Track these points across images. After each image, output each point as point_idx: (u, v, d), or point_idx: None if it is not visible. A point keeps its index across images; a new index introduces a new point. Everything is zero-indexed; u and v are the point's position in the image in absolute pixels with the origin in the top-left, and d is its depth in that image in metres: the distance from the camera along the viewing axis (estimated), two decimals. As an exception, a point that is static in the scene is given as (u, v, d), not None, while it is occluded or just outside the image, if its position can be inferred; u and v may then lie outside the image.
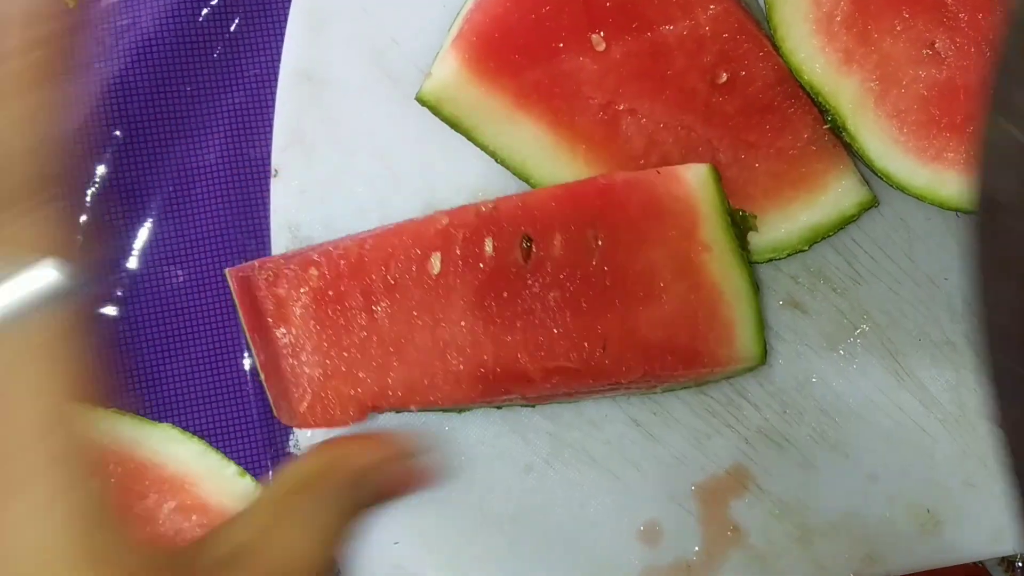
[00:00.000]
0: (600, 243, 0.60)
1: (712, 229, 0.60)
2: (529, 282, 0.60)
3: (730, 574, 0.66)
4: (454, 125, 0.63)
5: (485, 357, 0.60)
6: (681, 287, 0.60)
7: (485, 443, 0.66)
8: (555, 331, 0.60)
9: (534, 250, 0.60)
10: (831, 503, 0.66)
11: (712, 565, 0.66)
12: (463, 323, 0.60)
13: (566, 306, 0.60)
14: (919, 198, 0.62)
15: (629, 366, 0.60)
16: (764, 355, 0.63)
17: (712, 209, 0.60)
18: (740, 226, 0.62)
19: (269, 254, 0.66)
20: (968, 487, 0.67)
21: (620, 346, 0.60)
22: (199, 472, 0.62)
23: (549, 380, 0.60)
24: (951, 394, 0.67)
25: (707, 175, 0.60)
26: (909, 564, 0.67)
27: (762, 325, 0.62)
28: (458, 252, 0.61)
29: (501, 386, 0.60)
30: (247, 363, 0.70)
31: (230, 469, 0.63)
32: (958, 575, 0.70)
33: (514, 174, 0.64)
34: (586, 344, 0.60)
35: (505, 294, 0.60)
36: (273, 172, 0.66)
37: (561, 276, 0.60)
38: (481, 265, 0.60)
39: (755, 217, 0.63)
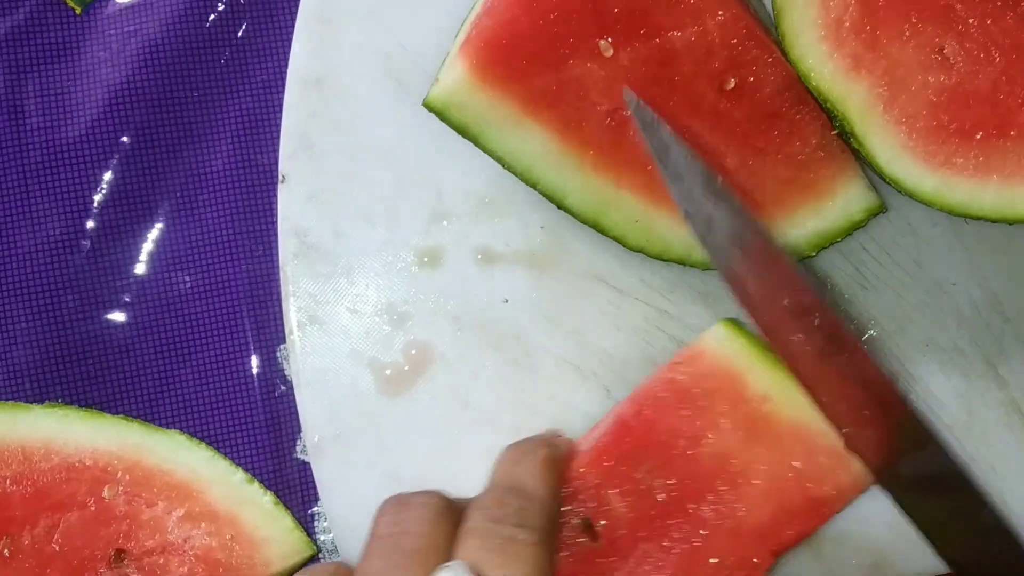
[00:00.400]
0: (655, 474, 0.59)
1: (761, 378, 0.60)
2: (612, 559, 0.58)
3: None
4: (461, 131, 0.62)
5: None
6: (760, 450, 0.58)
7: None
8: None
9: (598, 527, 0.59)
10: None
11: (720, 571, 0.65)
12: None
13: (667, 553, 0.58)
14: (927, 204, 0.61)
15: (754, 561, 0.58)
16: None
17: (751, 357, 0.60)
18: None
19: (276, 260, 0.66)
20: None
21: (740, 550, 0.58)
22: (207, 478, 0.62)
23: None
24: (959, 400, 0.66)
25: (725, 332, 0.59)
26: (917, 571, 0.66)
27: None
28: None
29: None
30: (254, 369, 0.69)
31: (238, 475, 0.63)
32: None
33: (521, 180, 0.63)
34: (701, 570, 0.58)
35: None
36: (280, 178, 0.65)
37: (638, 534, 0.58)
38: (566, 565, 0.57)
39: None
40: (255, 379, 0.69)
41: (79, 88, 0.69)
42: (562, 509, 0.57)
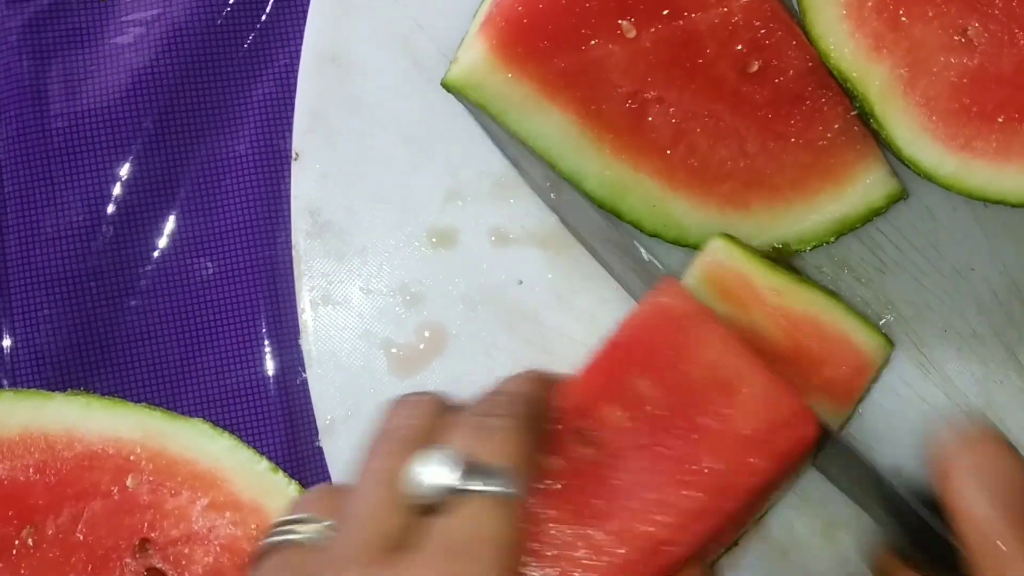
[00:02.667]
0: (646, 385, 0.55)
1: (766, 275, 0.58)
2: (608, 467, 0.54)
3: (751, 566, 0.62)
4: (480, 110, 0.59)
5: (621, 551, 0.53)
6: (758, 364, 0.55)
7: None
8: (658, 488, 0.54)
9: (592, 437, 0.55)
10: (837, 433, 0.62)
11: (733, 557, 0.62)
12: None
13: (661, 458, 0.54)
14: (946, 187, 0.58)
15: (752, 464, 0.54)
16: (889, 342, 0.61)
17: (752, 262, 0.58)
18: (784, 259, 0.60)
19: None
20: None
21: (736, 453, 0.54)
22: (231, 468, 0.60)
23: (688, 530, 0.53)
24: (978, 387, 0.63)
25: (724, 246, 0.58)
26: (931, 559, 0.63)
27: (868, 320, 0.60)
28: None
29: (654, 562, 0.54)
30: (274, 357, 0.66)
31: (262, 464, 0.61)
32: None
33: (539, 161, 0.60)
34: (695, 472, 0.54)
35: (592, 490, 0.54)
36: (294, 156, 0.62)
37: (632, 441, 0.55)
38: (560, 473, 0.54)
39: (789, 245, 0.60)
40: (276, 367, 0.66)
41: (102, 73, 0.67)
42: (558, 425, 0.55)
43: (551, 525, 0.53)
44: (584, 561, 0.53)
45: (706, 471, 0.54)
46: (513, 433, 0.48)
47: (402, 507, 0.45)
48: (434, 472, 0.45)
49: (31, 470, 0.57)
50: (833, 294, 0.60)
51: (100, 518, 0.56)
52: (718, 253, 0.59)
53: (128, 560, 0.56)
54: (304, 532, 0.47)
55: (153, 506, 0.57)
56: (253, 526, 0.57)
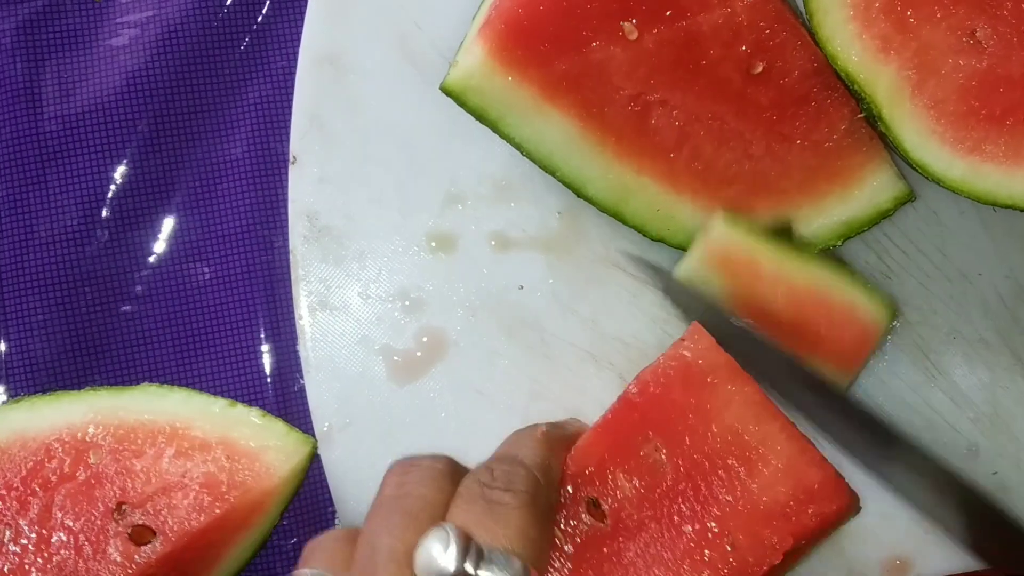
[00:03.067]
0: (663, 451, 0.54)
1: (768, 250, 0.57)
2: (620, 540, 0.54)
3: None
4: (479, 116, 0.58)
5: None
6: (776, 426, 0.54)
7: None
8: (674, 566, 0.53)
9: (605, 507, 0.54)
10: (862, 504, 0.61)
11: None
12: None
13: (677, 532, 0.53)
14: (955, 191, 0.57)
15: (772, 543, 0.53)
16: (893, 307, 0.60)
17: (754, 237, 0.57)
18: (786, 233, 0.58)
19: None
20: (1002, 489, 0.61)
21: (755, 530, 0.53)
22: (189, 415, 0.59)
23: None
24: (985, 393, 0.61)
25: (726, 223, 0.57)
26: (939, 568, 0.62)
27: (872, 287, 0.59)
28: None
29: None
30: (271, 363, 0.64)
31: (218, 404, 0.59)
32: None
33: (540, 167, 0.59)
34: (713, 549, 0.53)
35: (604, 566, 0.53)
36: (291, 159, 0.60)
37: (646, 513, 0.54)
38: (573, 547, 0.54)
39: (790, 220, 0.59)
40: (273, 373, 0.64)
41: (96, 75, 0.65)
42: (567, 489, 0.54)
43: None
44: None
45: (726, 550, 0.52)
46: (525, 513, 0.48)
47: None
48: (447, 558, 0.44)
49: None
50: (838, 261, 0.59)
51: (72, 499, 0.56)
52: (720, 230, 0.58)
53: (111, 525, 0.56)
54: None
55: (121, 473, 0.57)
56: (225, 457, 0.57)
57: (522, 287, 0.61)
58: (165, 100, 0.65)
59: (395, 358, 0.61)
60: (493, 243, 0.61)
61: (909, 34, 0.55)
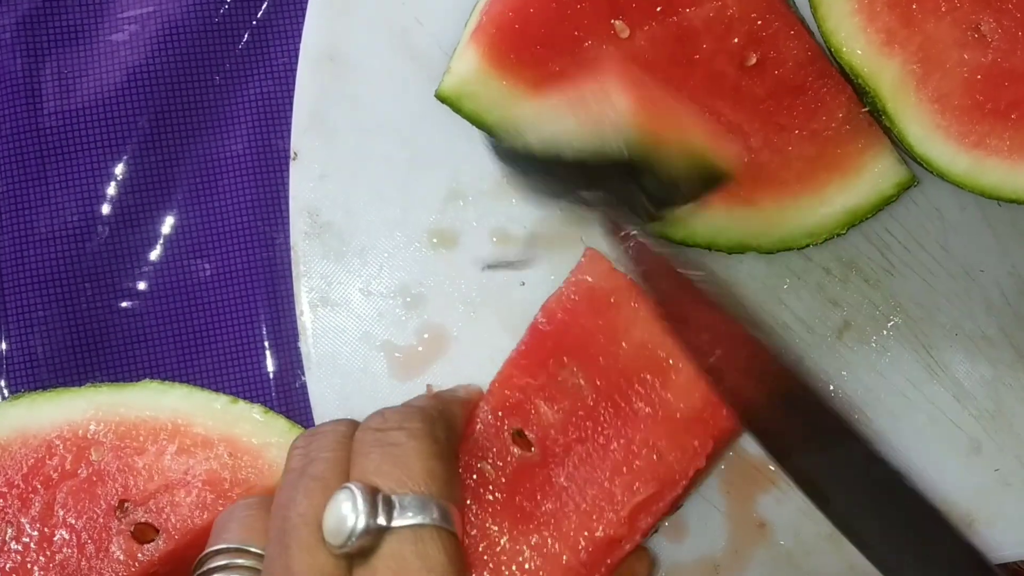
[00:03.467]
0: (580, 374, 0.54)
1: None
2: (551, 466, 0.54)
3: (758, 572, 0.60)
4: (475, 121, 0.57)
5: (565, 558, 0.53)
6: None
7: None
8: (606, 483, 0.53)
9: (530, 436, 0.54)
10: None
11: (739, 563, 0.60)
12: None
13: (604, 451, 0.53)
14: (959, 185, 0.56)
15: (694, 447, 0.53)
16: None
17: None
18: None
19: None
20: (1004, 485, 0.60)
21: (677, 437, 0.53)
22: (190, 412, 0.58)
23: (639, 523, 0.53)
24: (986, 389, 0.61)
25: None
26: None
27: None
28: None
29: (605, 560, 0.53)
30: (272, 359, 0.64)
31: (220, 401, 0.59)
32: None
33: None
34: (640, 461, 0.53)
35: (538, 494, 0.53)
36: (292, 155, 0.59)
37: (571, 437, 0.54)
38: (503, 479, 0.53)
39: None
40: (274, 370, 0.64)
41: (96, 71, 0.64)
42: (490, 419, 0.54)
43: (495, 539, 0.51)
44: (535, 572, 0.51)
45: (653, 460, 0.52)
46: (423, 448, 0.46)
47: (333, 556, 0.43)
48: (355, 514, 0.42)
49: None
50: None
51: (74, 497, 0.56)
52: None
53: (113, 523, 0.55)
54: (242, 565, 0.47)
55: (123, 470, 0.56)
56: (227, 454, 0.57)
57: (524, 283, 0.61)
58: (165, 96, 0.64)
59: (396, 354, 0.60)
60: (495, 239, 0.61)
61: (914, 28, 0.54)
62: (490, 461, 0.53)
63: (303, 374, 0.61)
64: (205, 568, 0.47)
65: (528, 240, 0.61)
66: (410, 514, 0.43)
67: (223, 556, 0.47)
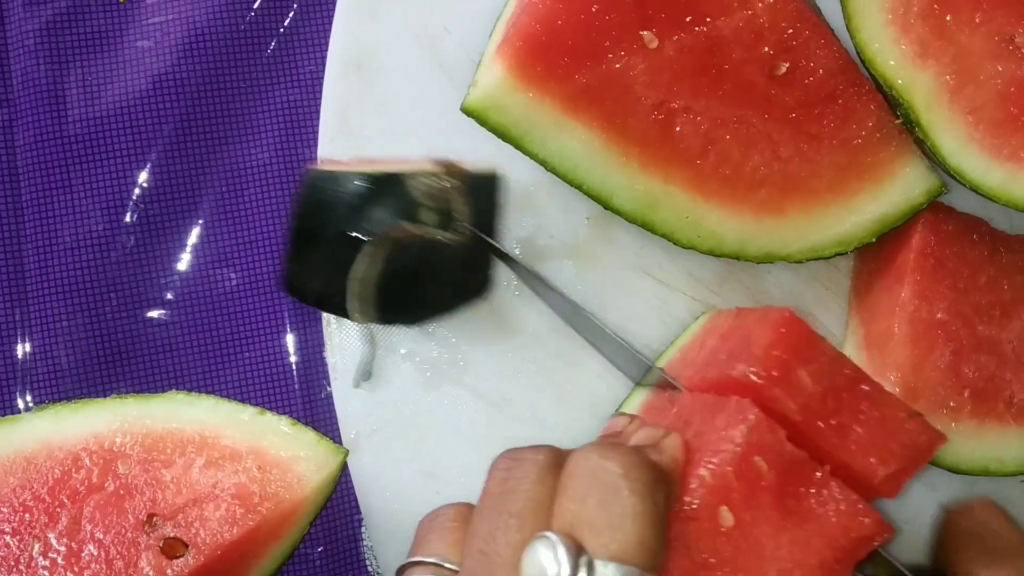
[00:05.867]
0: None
1: None
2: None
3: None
4: (501, 135, 0.55)
5: None
6: None
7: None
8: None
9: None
10: (889, 512, 0.59)
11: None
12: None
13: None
14: (992, 198, 0.55)
15: None
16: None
17: None
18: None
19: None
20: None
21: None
22: (218, 424, 0.56)
23: None
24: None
25: None
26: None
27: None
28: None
29: None
30: (299, 370, 0.61)
31: (247, 412, 0.56)
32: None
33: (565, 181, 0.56)
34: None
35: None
36: (319, 164, 0.57)
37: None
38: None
39: None
40: (300, 380, 0.62)
41: (121, 77, 0.62)
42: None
43: None
44: None
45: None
46: (639, 506, 0.41)
47: None
48: (551, 568, 0.39)
49: (17, 491, 0.55)
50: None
51: (101, 511, 0.54)
52: None
53: (142, 538, 0.54)
54: None
55: (151, 484, 0.54)
56: (256, 468, 0.55)
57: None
58: (191, 104, 0.62)
59: (423, 365, 0.58)
60: (520, 249, 0.59)
61: (947, 39, 0.53)
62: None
63: (329, 385, 0.60)
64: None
65: (558, 250, 0.59)
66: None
67: (423, 569, 0.45)
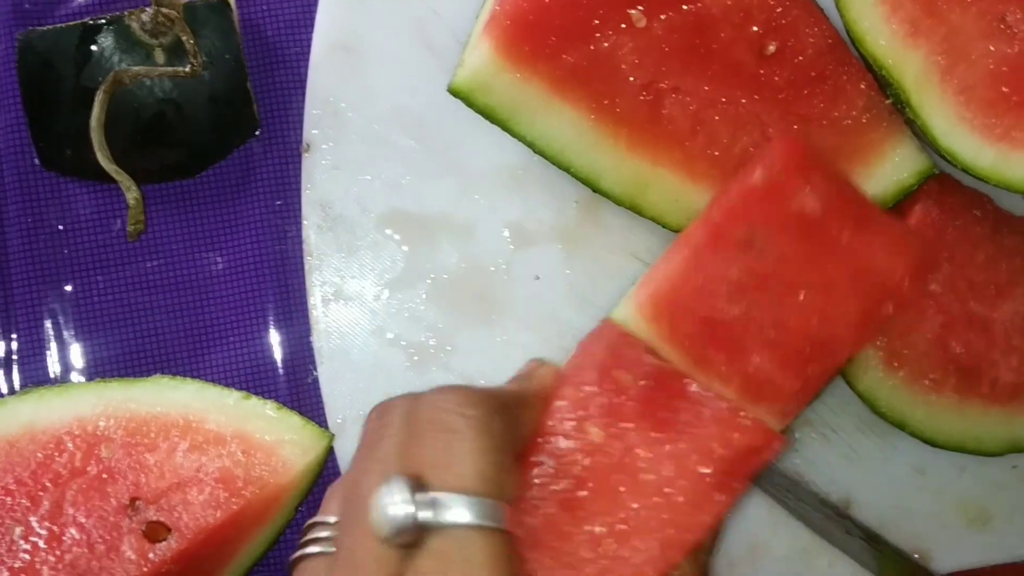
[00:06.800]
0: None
1: None
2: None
3: (774, 568, 0.58)
4: (488, 116, 0.55)
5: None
6: None
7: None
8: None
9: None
10: (877, 497, 0.59)
11: (755, 558, 0.57)
12: None
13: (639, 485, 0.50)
14: (984, 179, 0.54)
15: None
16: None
17: None
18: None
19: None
20: (1022, 482, 0.58)
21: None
22: (202, 408, 0.56)
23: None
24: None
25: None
26: (957, 562, 0.59)
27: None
28: None
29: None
30: (283, 355, 0.61)
31: (232, 396, 0.56)
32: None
33: (553, 164, 0.56)
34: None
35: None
36: (304, 147, 0.57)
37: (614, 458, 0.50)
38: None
39: None
40: (286, 365, 0.61)
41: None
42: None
43: (564, 529, 0.48)
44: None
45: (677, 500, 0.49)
46: (475, 439, 0.43)
47: (386, 545, 0.41)
48: (397, 508, 0.40)
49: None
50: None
51: (84, 495, 0.54)
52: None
53: (125, 522, 0.54)
54: (325, 538, 0.44)
55: (134, 467, 0.54)
56: (240, 452, 0.55)
57: (538, 277, 0.59)
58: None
59: (410, 349, 0.58)
60: (509, 233, 0.58)
61: (938, 18, 0.52)
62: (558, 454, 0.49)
63: (315, 369, 0.59)
64: (308, 537, 0.45)
65: (547, 234, 0.58)
66: (456, 513, 0.40)
67: (321, 528, 0.45)
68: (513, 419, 0.47)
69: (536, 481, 0.49)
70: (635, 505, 0.48)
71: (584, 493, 0.48)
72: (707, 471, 0.48)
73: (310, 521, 0.46)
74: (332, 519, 0.45)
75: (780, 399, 0.51)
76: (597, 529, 0.48)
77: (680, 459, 0.48)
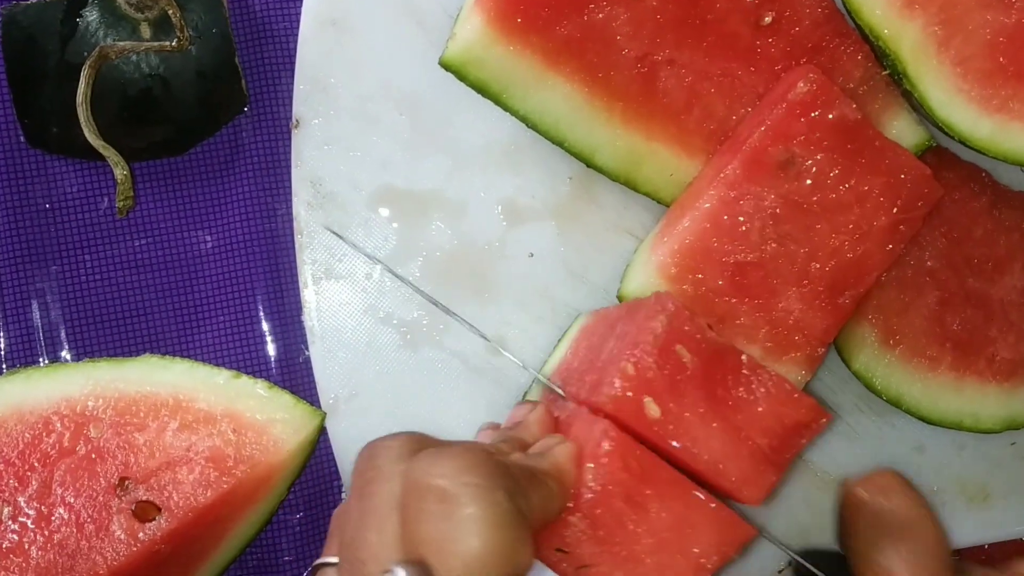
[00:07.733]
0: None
1: None
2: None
3: (774, 546, 0.57)
4: (481, 90, 0.54)
5: None
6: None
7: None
8: None
9: None
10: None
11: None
12: None
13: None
14: (981, 151, 0.54)
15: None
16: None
17: None
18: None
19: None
20: (1020, 459, 0.58)
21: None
22: (192, 387, 0.56)
23: None
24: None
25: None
26: (957, 539, 0.59)
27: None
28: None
29: None
30: (273, 336, 0.61)
31: (223, 375, 0.56)
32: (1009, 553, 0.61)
33: (546, 138, 0.55)
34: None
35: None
36: (294, 123, 0.56)
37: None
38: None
39: None
40: (277, 345, 0.61)
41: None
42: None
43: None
44: None
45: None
46: (475, 514, 0.39)
47: None
48: None
49: None
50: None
51: (72, 475, 0.53)
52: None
53: (114, 501, 0.53)
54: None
55: (123, 447, 0.54)
56: (231, 430, 0.54)
57: (532, 255, 0.58)
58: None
59: (402, 328, 0.58)
60: (502, 210, 0.58)
61: (935, -13, 0.52)
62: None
63: (307, 348, 0.59)
64: None
65: (540, 211, 0.58)
66: None
67: (332, 570, 0.43)
68: (520, 490, 0.42)
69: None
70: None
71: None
72: (763, 446, 0.48)
73: (316, 562, 0.45)
74: (334, 559, 0.43)
75: (809, 344, 0.51)
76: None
77: (736, 434, 0.47)
